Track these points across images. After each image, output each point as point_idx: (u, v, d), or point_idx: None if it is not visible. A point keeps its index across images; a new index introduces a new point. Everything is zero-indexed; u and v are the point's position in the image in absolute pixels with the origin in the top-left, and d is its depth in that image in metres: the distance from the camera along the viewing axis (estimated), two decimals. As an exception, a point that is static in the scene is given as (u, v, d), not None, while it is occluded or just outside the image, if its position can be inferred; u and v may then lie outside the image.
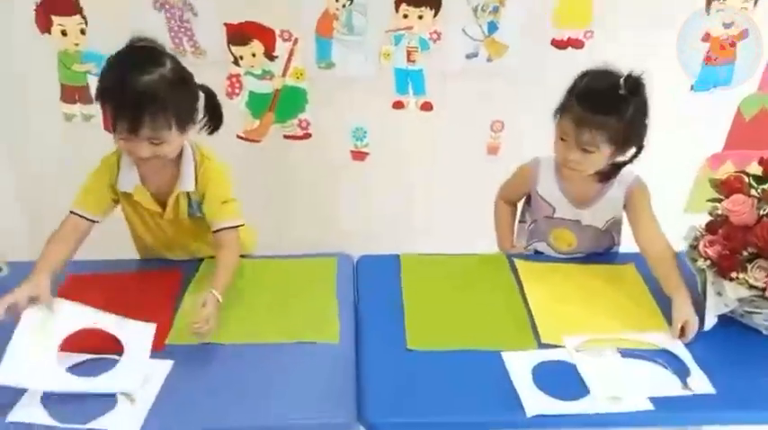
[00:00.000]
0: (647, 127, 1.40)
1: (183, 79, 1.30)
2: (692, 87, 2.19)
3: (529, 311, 1.34)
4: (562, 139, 1.40)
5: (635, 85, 1.33)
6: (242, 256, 1.47)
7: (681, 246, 1.40)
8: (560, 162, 1.47)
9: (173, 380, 1.15)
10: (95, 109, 2.14)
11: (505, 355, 1.22)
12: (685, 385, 1.15)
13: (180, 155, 1.38)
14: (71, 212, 1.39)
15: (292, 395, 1.13)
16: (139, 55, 1.27)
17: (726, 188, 1.31)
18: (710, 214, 1.35)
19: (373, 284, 1.45)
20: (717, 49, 2.12)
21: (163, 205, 1.43)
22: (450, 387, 1.16)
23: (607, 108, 1.32)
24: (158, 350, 1.21)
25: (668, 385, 1.16)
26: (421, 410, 1.12)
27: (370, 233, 2.27)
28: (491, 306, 1.37)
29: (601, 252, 1.60)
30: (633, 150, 1.41)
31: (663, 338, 1.26)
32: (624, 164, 1.44)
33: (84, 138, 2.17)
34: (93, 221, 1.41)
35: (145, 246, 1.56)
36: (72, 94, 2.12)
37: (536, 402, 1.11)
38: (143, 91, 1.21)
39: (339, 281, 1.44)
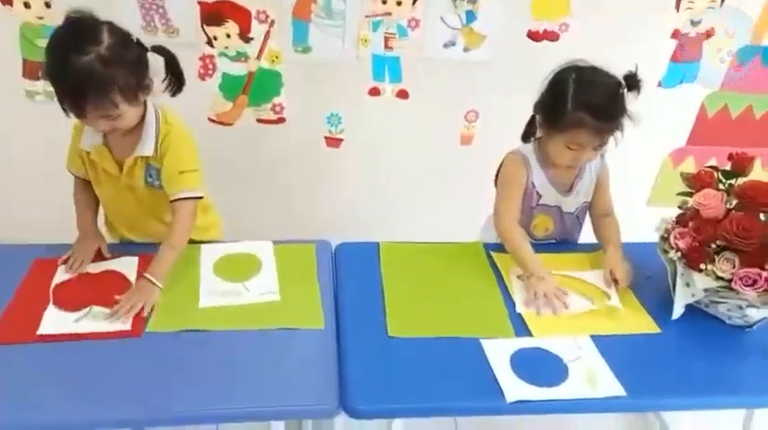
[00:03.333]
0: None
1: (122, 52, 1.24)
2: (659, 83, 2.25)
3: (508, 301, 1.37)
4: (570, 148, 1.42)
5: (636, 83, 1.40)
6: (210, 241, 1.49)
7: (648, 237, 1.45)
8: (568, 165, 1.50)
9: (153, 367, 1.13)
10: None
11: (484, 343, 1.24)
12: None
13: (142, 119, 1.36)
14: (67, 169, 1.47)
15: (276, 381, 1.13)
16: (76, 34, 1.22)
17: (696, 182, 1.35)
18: (680, 207, 1.40)
19: (353, 272, 1.45)
20: (684, 46, 2.18)
21: (122, 168, 1.41)
22: (431, 373, 1.18)
23: (619, 112, 1.39)
24: (137, 336, 1.18)
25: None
26: (403, 396, 1.13)
27: (343, 220, 2.27)
28: (470, 294, 1.39)
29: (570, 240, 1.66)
30: None
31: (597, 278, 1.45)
32: None
33: (48, 117, 2.08)
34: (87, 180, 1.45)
35: (110, 222, 1.54)
36: (35, 69, 2.02)
37: (515, 388, 1.14)
38: (82, 75, 1.18)
39: (319, 268, 1.43)
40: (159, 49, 1.34)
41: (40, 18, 1.94)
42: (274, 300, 1.31)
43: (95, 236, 1.45)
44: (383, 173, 2.33)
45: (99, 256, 1.40)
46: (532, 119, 1.54)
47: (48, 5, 1.92)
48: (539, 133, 1.52)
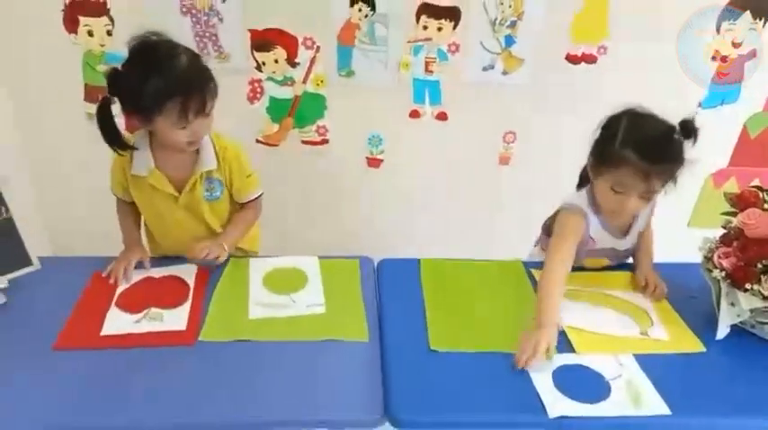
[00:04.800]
0: None
1: (198, 58, 1.36)
2: (699, 104, 2.25)
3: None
4: (617, 191, 1.35)
5: (692, 130, 1.33)
6: (248, 256, 1.58)
7: (689, 258, 1.46)
8: (613, 210, 1.42)
9: (204, 375, 1.18)
10: (117, 109, 2.17)
11: (527, 358, 1.25)
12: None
13: None
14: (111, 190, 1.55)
15: (322, 391, 1.16)
16: (159, 48, 1.30)
17: (741, 202, 1.36)
18: (724, 227, 1.40)
19: (395, 287, 1.48)
20: (726, 68, 2.18)
21: (178, 190, 1.47)
22: (473, 387, 1.19)
23: (671, 156, 1.32)
24: (190, 345, 1.24)
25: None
26: (446, 408, 1.15)
27: (383, 237, 2.32)
28: (510, 310, 1.41)
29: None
30: None
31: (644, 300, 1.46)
32: None
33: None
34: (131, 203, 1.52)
35: (155, 239, 1.60)
36: (95, 93, 2.14)
37: (557, 404, 1.15)
38: (194, 70, 1.29)
39: (362, 282, 1.47)
40: None
41: (102, 45, 2.07)
42: (320, 313, 1.35)
43: (140, 248, 1.51)
44: (422, 192, 2.38)
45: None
46: (585, 167, 1.47)
47: (109, 34, 2.05)
48: (591, 177, 1.45)
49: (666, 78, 2.14)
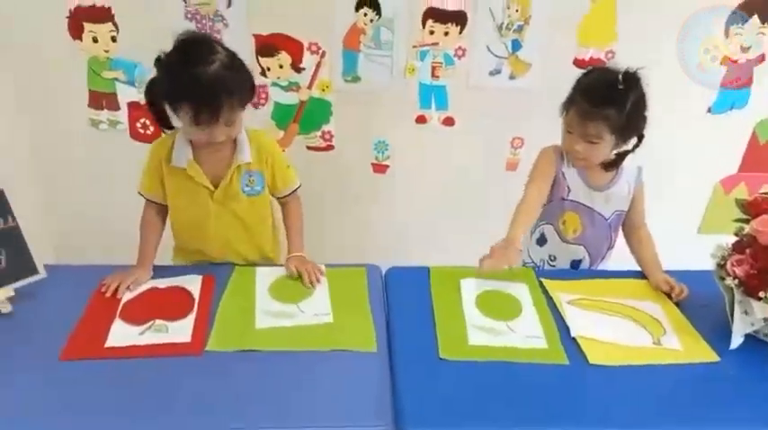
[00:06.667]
0: (647, 119, 1.51)
1: (236, 60, 1.37)
2: (708, 110, 2.23)
3: (560, 325, 1.37)
4: (569, 132, 1.53)
5: (632, 80, 1.45)
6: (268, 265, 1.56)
7: (700, 265, 1.44)
8: (567, 153, 1.58)
9: (211, 385, 1.16)
10: (122, 115, 2.17)
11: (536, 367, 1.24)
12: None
13: None
14: (139, 193, 1.53)
15: (331, 401, 1.14)
16: (196, 49, 1.33)
17: (753, 209, 1.34)
18: (737, 234, 1.38)
19: (403, 295, 1.47)
20: (734, 73, 2.16)
21: (214, 185, 1.49)
22: (483, 397, 1.17)
23: (608, 101, 1.44)
24: (197, 355, 1.23)
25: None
26: (456, 419, 1.13)
27: (390, 244, 2.31)
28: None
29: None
30: (634, 140, 1.54)
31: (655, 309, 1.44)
32: (626, 153, 1.57)
33: (109, 144, 2.20)
34: (162, 204, 1.53)
35: (183, 239, 1.59)
36: (99, 100, 2.14)
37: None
38: (216, 82, 1.29)
39: (370, 291, 1.46)
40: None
41: (107, 51, 2.06)
42: (328, 322, 1.34)
43: (146, 271, 1.46)
44: (429, 198, 2.36)
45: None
46: None
47: (114, 40, 2.05)
48: None
49: (675, 82, 2.13)
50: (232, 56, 1.36)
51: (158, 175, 1.49)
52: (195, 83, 1.29)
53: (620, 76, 1.44)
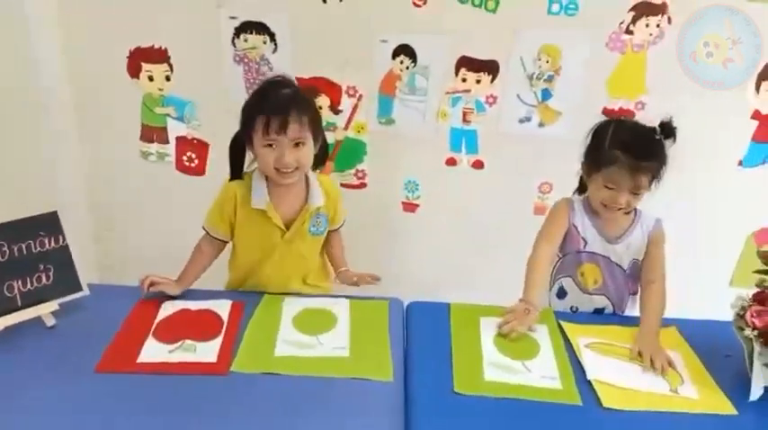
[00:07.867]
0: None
1: (309, 97, 1.58)
2: (739, 163, 2.23)
3: (576, 368, 1.38)
4: (609, 188, 1.53)
5: (670, 130, 1.51)
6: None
7: (730, 317, 1.43)
8: (606, 206, 1.56)
9: (231, 405, 1.22)
10: (170, 148, 2.32)
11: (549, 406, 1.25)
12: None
13: (306, 176, 1.60)
14: (203, 227, 1.62)
15: (345, 428, 1.18)
16: (280, 82, 1.54)
17: (774, 261, 1.34)
18: (758, 285, 1.38)
19: (423, 329, 1.51)
20: (765, 126, 2.17)
21: (286, 226, 1.59)
22: (496, 433, 1.20)
23: (652, 154, 1.50)
24: (222, 374, 1.29)
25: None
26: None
27: (416, 280, 2.34)
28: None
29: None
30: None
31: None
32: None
33: (156, 175, 2.34)
34: (222, 241, 1.63)
35: (239, 275, 1.68)
36: (150, 134, 2.30)
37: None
38: (288, 98, 1.48)
39: (390, 323, 1.50)
40: None
41: (161, 89, 2.22)
42: (344, 356, 1.37)
43: (182, 286, 1.57)
44: (456, 237, 2.41)
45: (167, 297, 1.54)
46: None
47: (168, 79, 2.20)
48: (585, 180, 1.63)
49: (705, 135, 2.14)
50: (306, 93, 1.58)
51: (228, 215, 1.59)
52: (267, 97, 1.49)
53: (658, 127, 1.50)
